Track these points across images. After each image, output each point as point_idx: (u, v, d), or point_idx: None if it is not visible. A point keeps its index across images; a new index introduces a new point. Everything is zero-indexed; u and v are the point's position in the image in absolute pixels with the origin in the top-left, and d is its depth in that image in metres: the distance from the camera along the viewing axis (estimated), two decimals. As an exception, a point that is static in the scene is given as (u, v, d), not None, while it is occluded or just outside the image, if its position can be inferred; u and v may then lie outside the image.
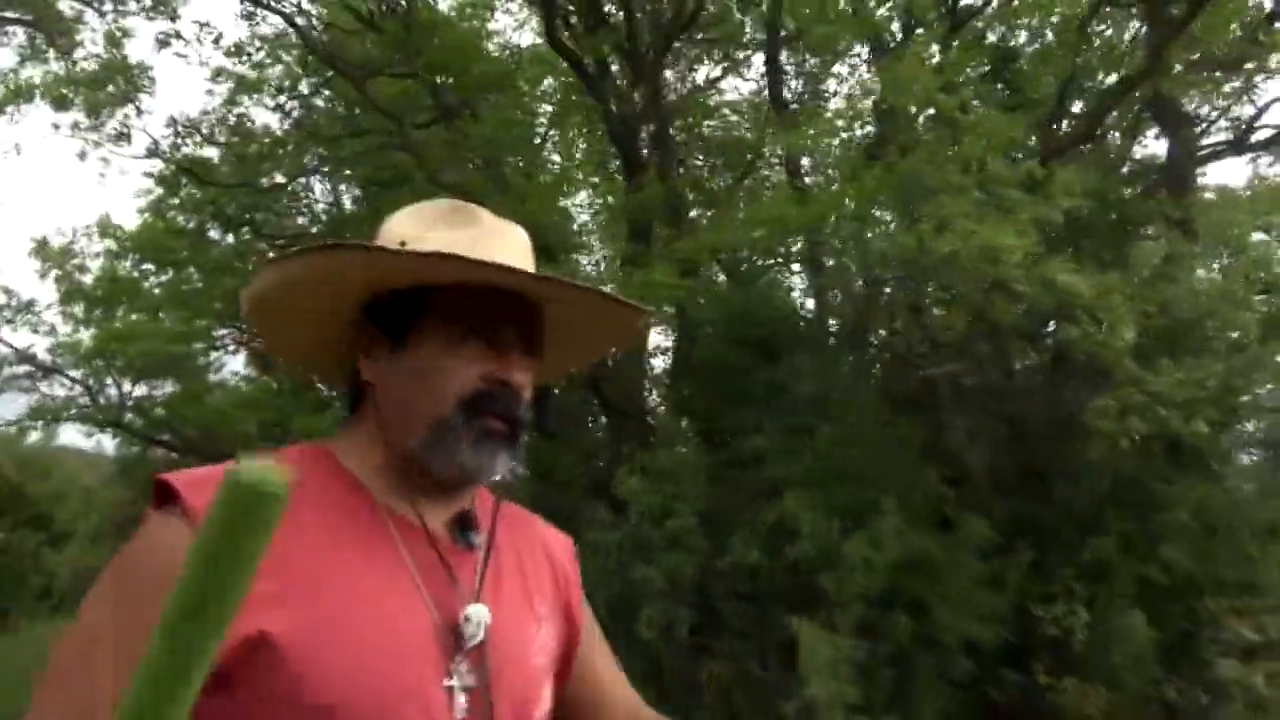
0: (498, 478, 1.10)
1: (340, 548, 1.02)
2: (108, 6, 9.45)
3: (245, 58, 10.11)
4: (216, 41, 10.50)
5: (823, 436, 7.21)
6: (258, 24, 10.07)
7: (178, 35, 9.63)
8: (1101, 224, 7.86)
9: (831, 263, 8.42)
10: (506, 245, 1.13)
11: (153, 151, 10.48)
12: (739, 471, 7.42)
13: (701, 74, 11.74)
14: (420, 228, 1.13)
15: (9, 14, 9.43)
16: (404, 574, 1.05)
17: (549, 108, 10.74)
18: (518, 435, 1.11)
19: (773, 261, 9.14)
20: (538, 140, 10.64)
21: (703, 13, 8.22)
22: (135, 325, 11.92)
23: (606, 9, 9.63)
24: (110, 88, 9.65)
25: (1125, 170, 9.73)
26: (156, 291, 13.38)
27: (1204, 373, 6.36)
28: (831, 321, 8.31)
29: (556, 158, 11.28)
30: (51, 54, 9.75)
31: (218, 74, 10.19)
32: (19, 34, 9.88)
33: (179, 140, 10.52)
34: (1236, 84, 10.09)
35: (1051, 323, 6.95)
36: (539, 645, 1.17)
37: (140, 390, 13.04)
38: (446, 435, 1.08)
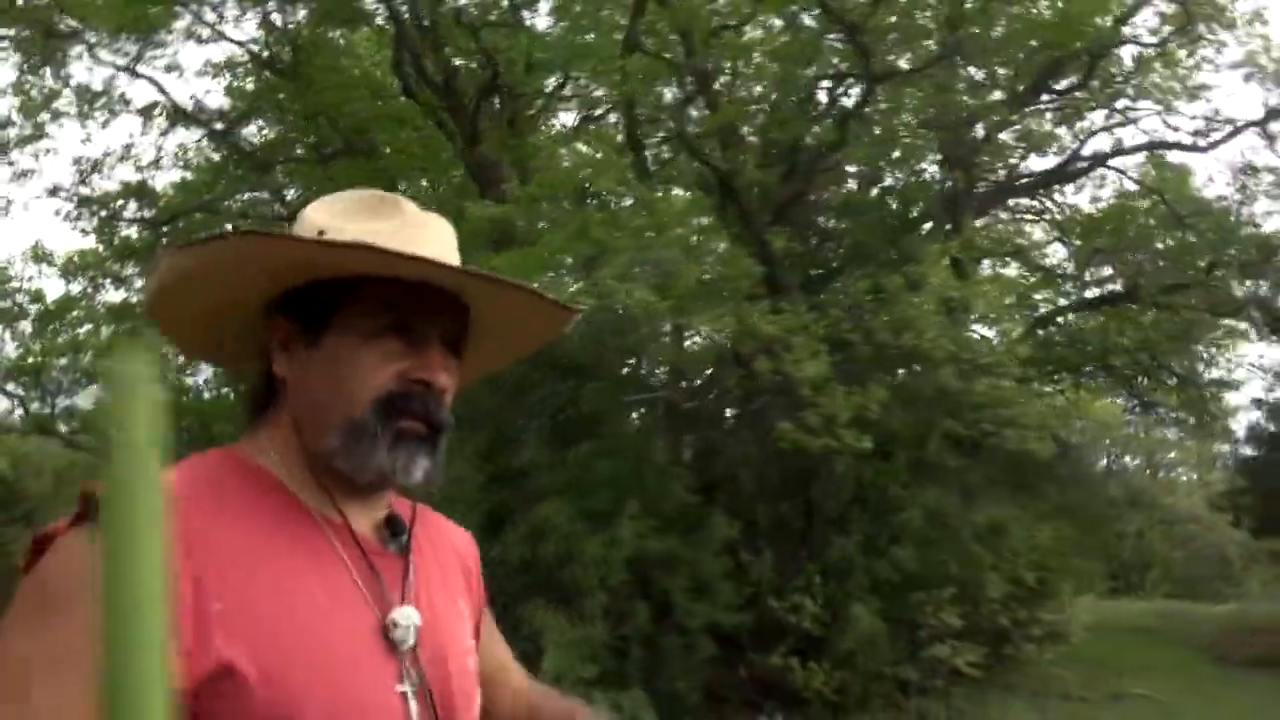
0: (418, 482, 1.05)
1: (280, 556, 0.98)
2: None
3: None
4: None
5: (581, 451, 8.36)
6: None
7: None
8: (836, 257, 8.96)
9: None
10: (430, 237, 1.08)
11: (52, 191, 11.78)
12: (515, 480, 8.59)
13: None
14: (339, 217, 1.08)
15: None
16: (345, 578, 1.01)
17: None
18: (438, 438, 1.06)
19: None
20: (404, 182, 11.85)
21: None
22: (58, 344, 13.29)
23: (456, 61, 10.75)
24: (14, 130, 10.89)
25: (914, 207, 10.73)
26: (100, 308, 14.81)
27: (872, 396, 7.45)
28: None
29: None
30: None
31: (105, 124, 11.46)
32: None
33: (83, 179, 11.84)
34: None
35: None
36: (469, 644, 1.16)
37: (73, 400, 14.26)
38: (361, 437, 1.02)
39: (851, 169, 9.11)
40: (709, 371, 8.24)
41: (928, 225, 10.78)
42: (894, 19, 7.67)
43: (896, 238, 9.81)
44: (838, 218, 9.33)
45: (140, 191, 12.19)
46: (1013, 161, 11.88)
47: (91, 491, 0.88)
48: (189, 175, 14.11)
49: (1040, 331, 13.03)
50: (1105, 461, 17.88)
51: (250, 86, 13.20)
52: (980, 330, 8.38)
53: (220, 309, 1.08)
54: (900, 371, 8.52)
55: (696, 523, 8.64)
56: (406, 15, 9.42)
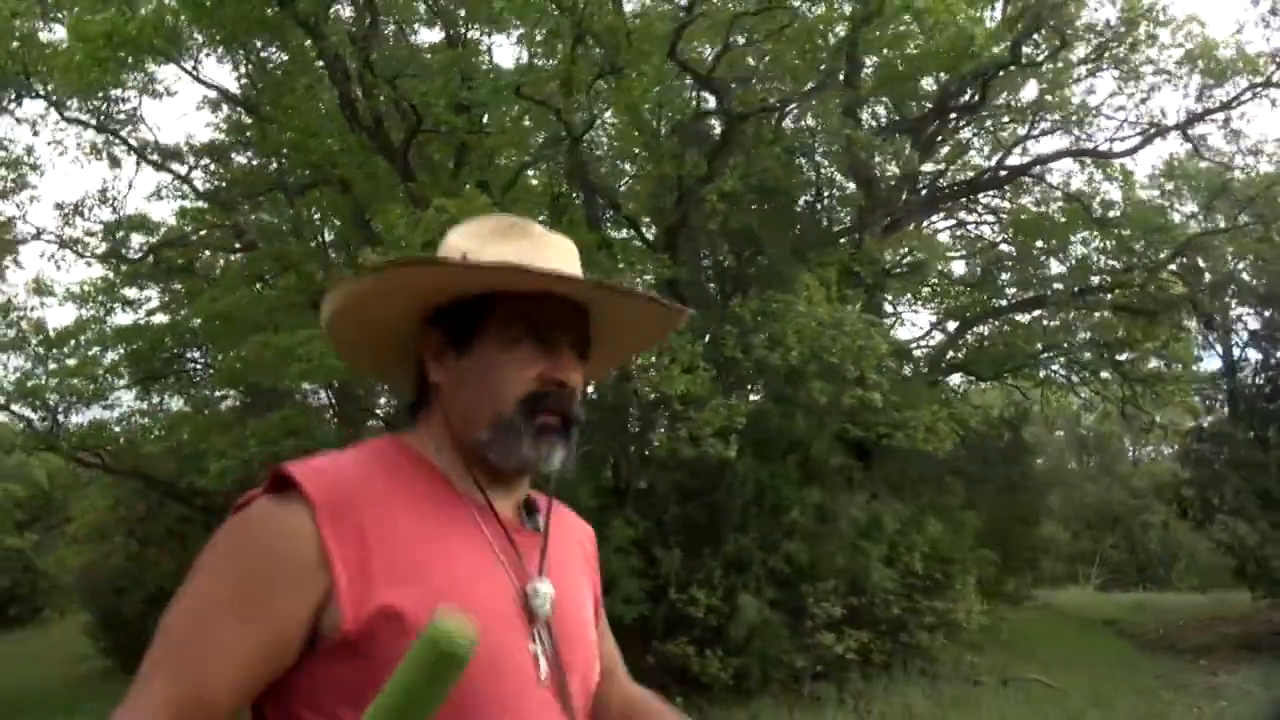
0: (555, 469, 1.20)
1: (436, 526, 1.12)
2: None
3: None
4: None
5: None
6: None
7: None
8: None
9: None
10: (558, 254, 1.23)
11: (34, 235, 12.89)
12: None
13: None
14: (477, 241, 1.23)
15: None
16: (487, 551, 1.15)
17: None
18: (571, 431, 1.21)
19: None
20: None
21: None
22: (68, 366, 14.41)
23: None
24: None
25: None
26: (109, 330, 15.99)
27: (735, 411, 8.20)
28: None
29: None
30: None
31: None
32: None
33: (65, 222, 12.95)
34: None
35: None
36: (590, 619, 1.30)
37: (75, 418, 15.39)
38: (508, 431, 1.17)
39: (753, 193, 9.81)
40: (606, 384, 9.01)
41: (843, 241, 11.50)
42: (750, 61, 8.40)
43: (805, 255, 10.53)
44: (734, 243, 10.05)
45: (117, 228, 13.21)
46: (931, 173, 12.51)
47: (278, 470, 1.09)
48: (185, 203, 15.28)
49: (969, 335, 13.68)
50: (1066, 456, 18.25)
51: (221, 126, 14.30)
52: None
53: (380, 327, 1.24)
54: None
55: (601, 524, 9.41)
56: (341, 64, 10.32)
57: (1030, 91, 11.92)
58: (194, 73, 13.22)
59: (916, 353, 12.49)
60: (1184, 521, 15.21)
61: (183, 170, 13.07)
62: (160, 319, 15.73)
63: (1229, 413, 14.38)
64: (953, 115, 11.65)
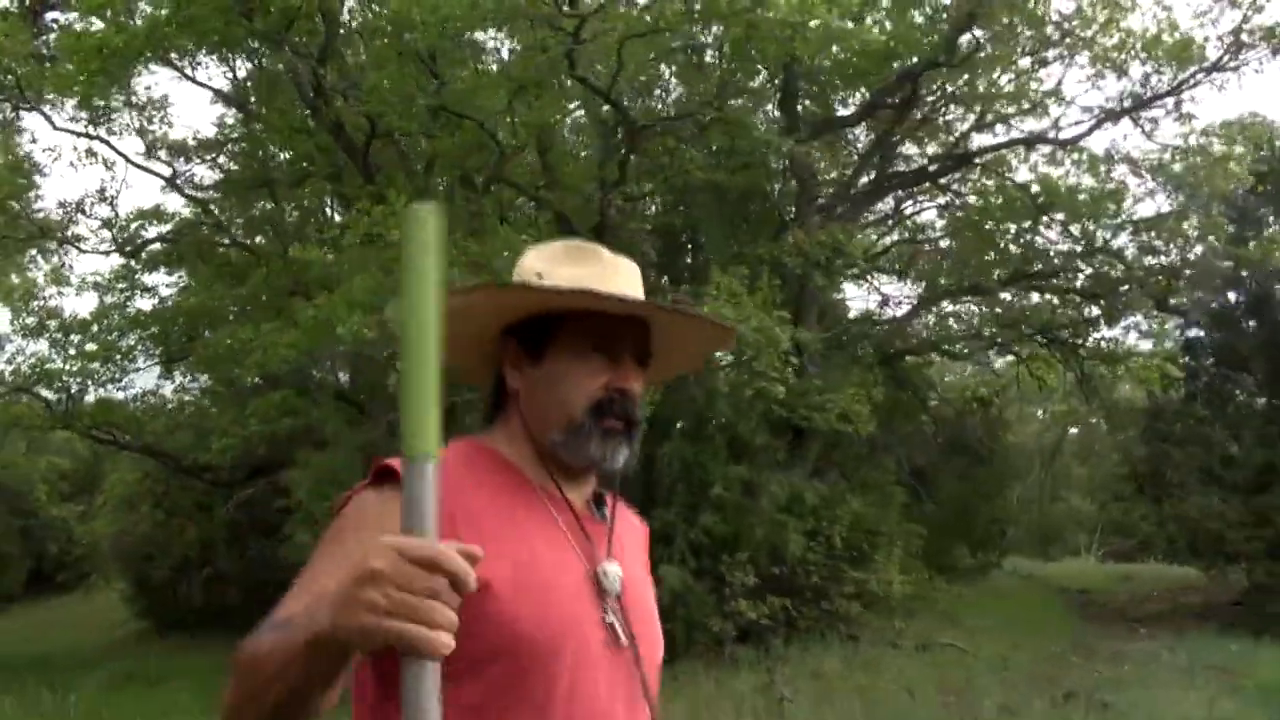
0: (620, 467, 1.35)
1: (516, 512, 1.28)
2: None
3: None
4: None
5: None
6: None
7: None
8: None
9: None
10: (623, 277, 1.39)
11: (42, 232, 13.97)
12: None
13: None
14: (550, 264, 1.39)
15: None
16: (561, 536, 1.31)
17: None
18: (634, 433, 1.36)
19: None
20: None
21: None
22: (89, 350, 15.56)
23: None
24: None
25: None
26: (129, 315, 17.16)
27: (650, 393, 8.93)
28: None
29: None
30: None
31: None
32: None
33: (69, 218, 14.05)
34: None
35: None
36: (655, 605, 1.46)
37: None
38: (579, 433, 1.32)
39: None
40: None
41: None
42: (643, 78, 9.06)
43: (739, 251, 11.18)
44: (666, 241, 10.73)
45: (114, 223, 14.27)
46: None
47: (381, 463, 1.25)
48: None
49: (918, 319, 14.22)
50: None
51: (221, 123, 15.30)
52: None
53: (463, 341, 1.35)
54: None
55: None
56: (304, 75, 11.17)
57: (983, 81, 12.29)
58: (189, 75, 14.25)
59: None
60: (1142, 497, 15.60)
61: (167, 171, 13.97)
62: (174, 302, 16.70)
63: (1184, 392, 14.74)
64: (894, 108, 12.12)
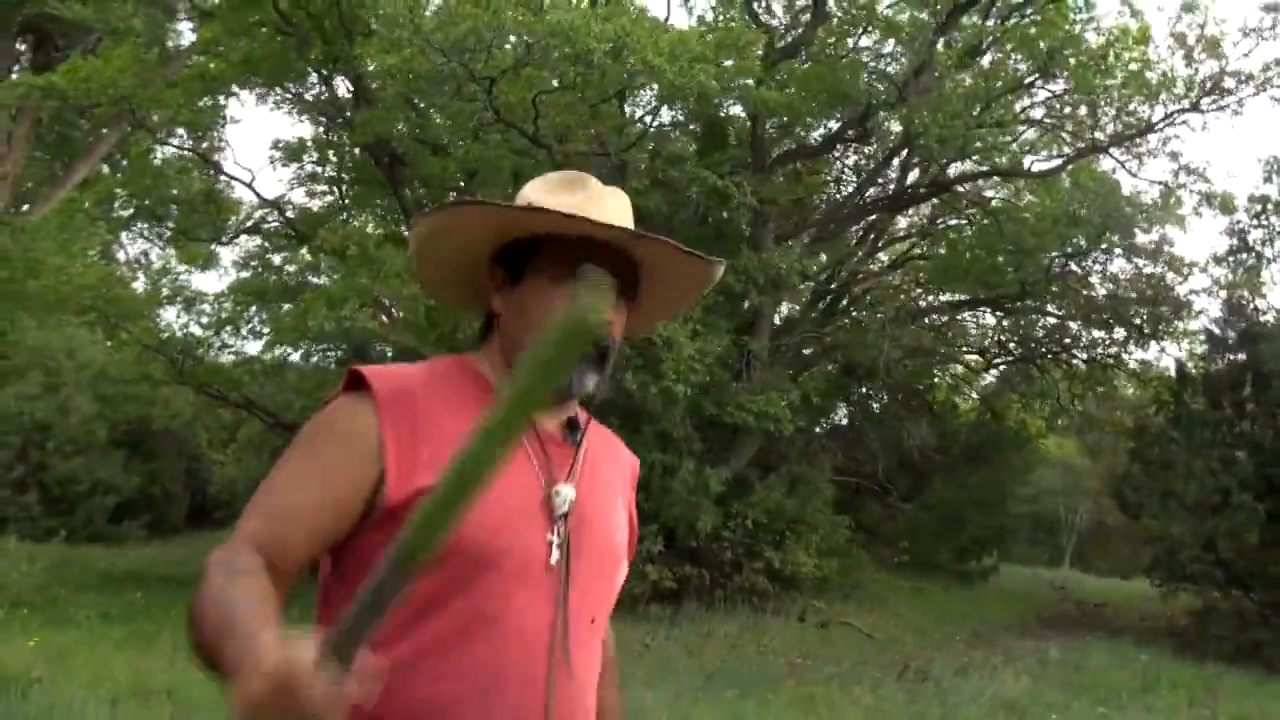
0: (589, 392, 1.38)
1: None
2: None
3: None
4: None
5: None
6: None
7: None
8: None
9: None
10: (608, 206, 1.41)
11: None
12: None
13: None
14: (543, 193, 1.43)
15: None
16: (523, 455, 1.35)
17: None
18: (605, 360, 1.38)
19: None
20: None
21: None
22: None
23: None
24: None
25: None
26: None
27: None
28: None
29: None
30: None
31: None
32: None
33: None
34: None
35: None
36: (618, 525, 1.49)
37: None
38: None
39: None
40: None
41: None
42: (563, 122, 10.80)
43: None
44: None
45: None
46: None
47: (355, 371, 1.35)
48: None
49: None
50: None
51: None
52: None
53: (452, 262, 1.47)
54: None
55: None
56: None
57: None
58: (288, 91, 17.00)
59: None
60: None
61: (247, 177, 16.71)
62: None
63: (1169, 416, 15.17)
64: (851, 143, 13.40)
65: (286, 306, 12.74)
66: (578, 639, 1.35)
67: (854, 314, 15.39)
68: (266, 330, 18.02)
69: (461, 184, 11.87)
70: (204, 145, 15.99)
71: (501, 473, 1.04)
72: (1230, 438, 13.93)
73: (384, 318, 13.39)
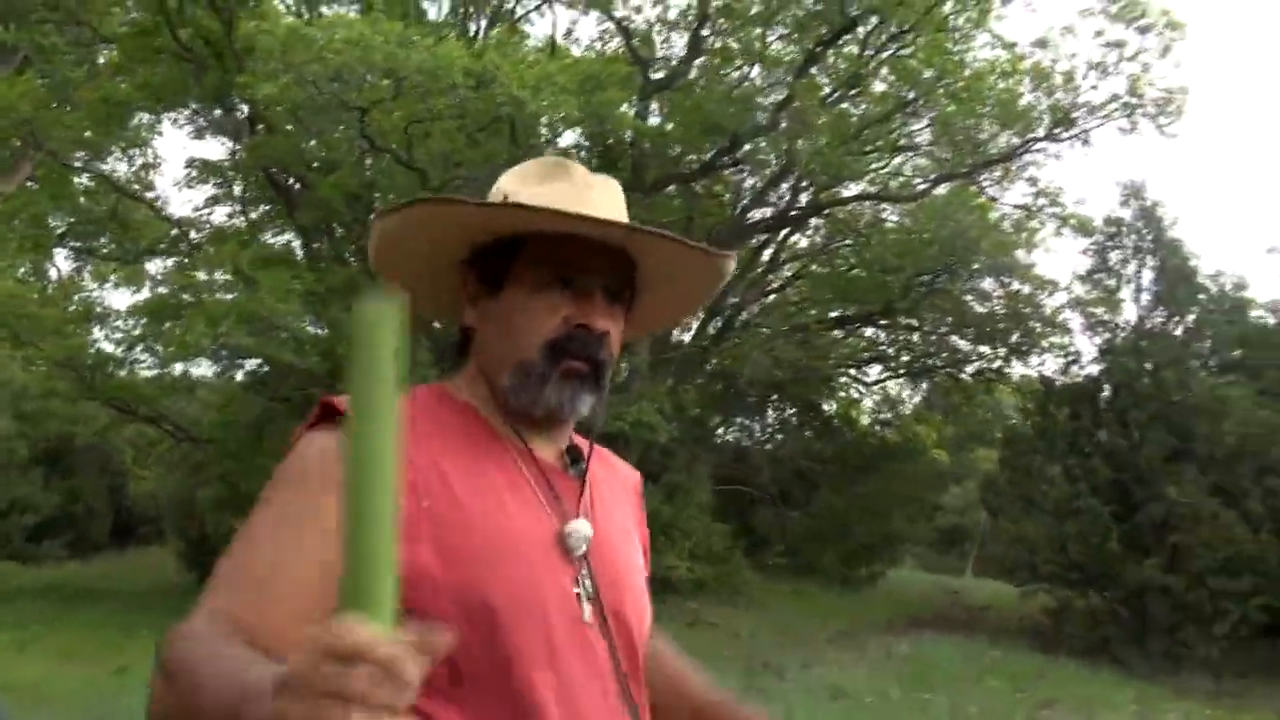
0: (584, 415, 1.20)
1: (477, 469, 1.13)
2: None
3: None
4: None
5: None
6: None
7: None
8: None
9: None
10: (595, 197, 1.20)
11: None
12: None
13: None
14: (520, 183, 1.22)
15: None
16: (528, 492, 1.15)
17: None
18: (600, 376, 1.18)
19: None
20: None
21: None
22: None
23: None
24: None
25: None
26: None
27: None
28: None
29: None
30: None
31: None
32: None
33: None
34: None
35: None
36: (638, 564, 1.29)
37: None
38: (530, 375, 1.15)
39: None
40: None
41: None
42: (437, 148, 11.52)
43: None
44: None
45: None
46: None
47: (327, 402, 1.12)
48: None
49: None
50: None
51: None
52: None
53: (427, 268, 1.23)
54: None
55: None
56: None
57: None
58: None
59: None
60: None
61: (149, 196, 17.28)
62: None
63: (1034, 426, 16.12)
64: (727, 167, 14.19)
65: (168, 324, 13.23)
66: (641, 701, 1.20)
67: (746, 331, 16.21)
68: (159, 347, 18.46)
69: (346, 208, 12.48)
70: (136, 166, 16.40)
71: (516, 520, 1.07)
72: (1089, 446, 14.87)
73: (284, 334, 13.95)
